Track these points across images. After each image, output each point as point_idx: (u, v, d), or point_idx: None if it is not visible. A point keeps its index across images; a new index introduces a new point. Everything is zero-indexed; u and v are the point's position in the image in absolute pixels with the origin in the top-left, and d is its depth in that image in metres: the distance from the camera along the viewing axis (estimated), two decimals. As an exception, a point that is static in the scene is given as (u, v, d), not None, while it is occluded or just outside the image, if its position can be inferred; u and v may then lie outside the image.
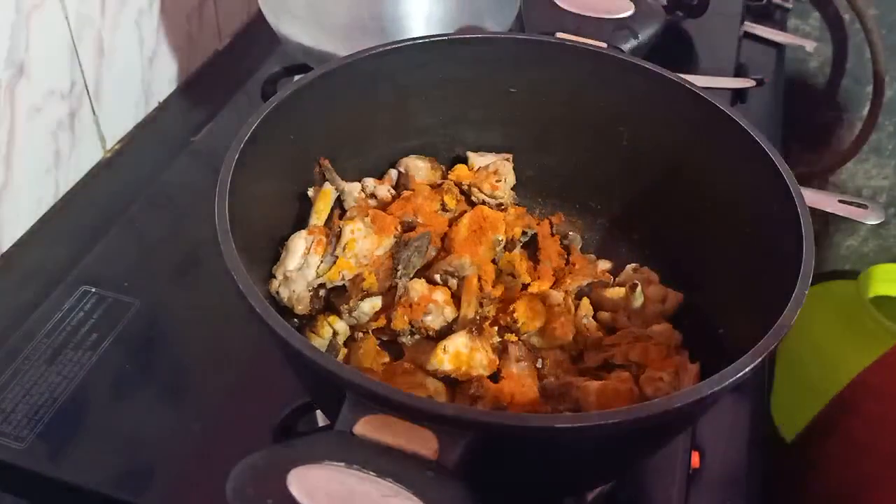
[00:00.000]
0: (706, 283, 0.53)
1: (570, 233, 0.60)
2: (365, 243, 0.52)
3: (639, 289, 0.53)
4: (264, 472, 0.31)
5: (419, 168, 0.60)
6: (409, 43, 0.56)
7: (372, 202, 0.57)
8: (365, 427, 0.33)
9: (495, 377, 0.48)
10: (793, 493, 0.62)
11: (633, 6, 0.67)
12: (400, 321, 0.50)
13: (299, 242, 0.51)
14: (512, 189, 0.61)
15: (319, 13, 0.70)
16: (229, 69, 0.90)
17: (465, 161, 0.61)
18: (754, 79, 0.87)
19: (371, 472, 0.31)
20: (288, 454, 0.32)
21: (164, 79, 0.84)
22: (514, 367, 0.48)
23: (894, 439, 0.58)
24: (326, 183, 0.55)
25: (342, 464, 0.31)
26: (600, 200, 0.61)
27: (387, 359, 0.51)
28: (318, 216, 0.54)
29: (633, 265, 0.57)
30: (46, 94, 0.68)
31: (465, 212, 0.57)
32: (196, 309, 0.62)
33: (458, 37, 0.57)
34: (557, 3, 0.67)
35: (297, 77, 0.71)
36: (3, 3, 0.61)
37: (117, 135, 0.79)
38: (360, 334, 0.52)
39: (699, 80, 0.58)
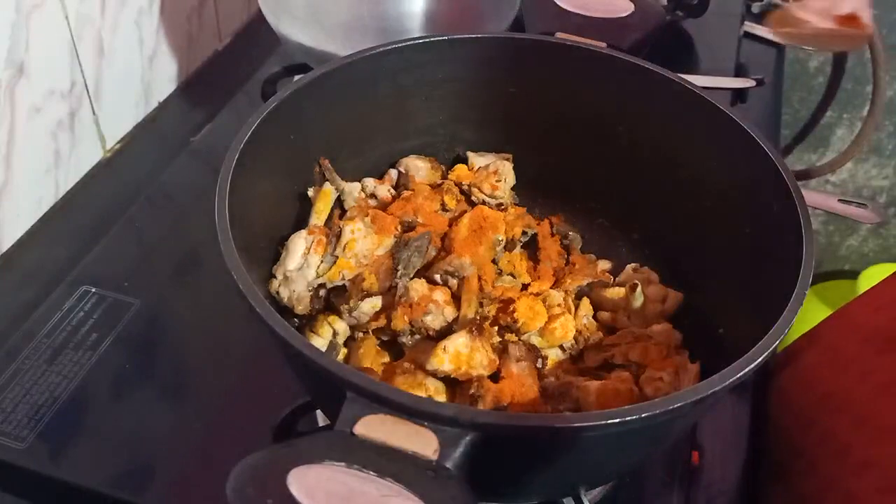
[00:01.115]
0: (706, 282, 0.53)
1: (570, 233, 0.60)
2: (365, 243, 0.52)
3: (639, 289, 0.53)
4: (264, 472, 0.31)
5: (419, 168, 0.60)
6: (409, 43, 0.56)
7: (372, 202, 0.57)
8: (365, 427, 0.33)
9: (495, 377, 0.48)
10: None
11: (632, 6, 0.67)
12: (400, 321, 0.50)
13: (299, 242, 0.51)
14: (512, 189, 0.61)
15: (319, 13, 0.70)
16: (229, 69, 0.90)
17: (465, 161, 0.61)
18: (754, 79, 0.87)
19: (371, 472, 0.31)
20: (288, 454, 0.32)
21: (164, 79, 0.84)
22: (514, 366, 0.48)
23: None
24: (326, 183, 0.55)
25: (342, 464, 0.31)
26: (600, 200, 0.61)
27: (387, 359, 0.51)
28: (318, 216, 0.54)
29: (633, 265, 0.57)
30: (46, 94, 0.68)
31: (465, 212, 0.56)
32: (196, 309, 0.62)
33: (458, 37, 0.57)
34: (557, 2, 0.67)
35: (297, 77, 0.71)
36: (3, 3, 0.61)
37: (117, 135, 0.79)
38: (360, 334, 0.52)
39: (699, 80, 0.57)
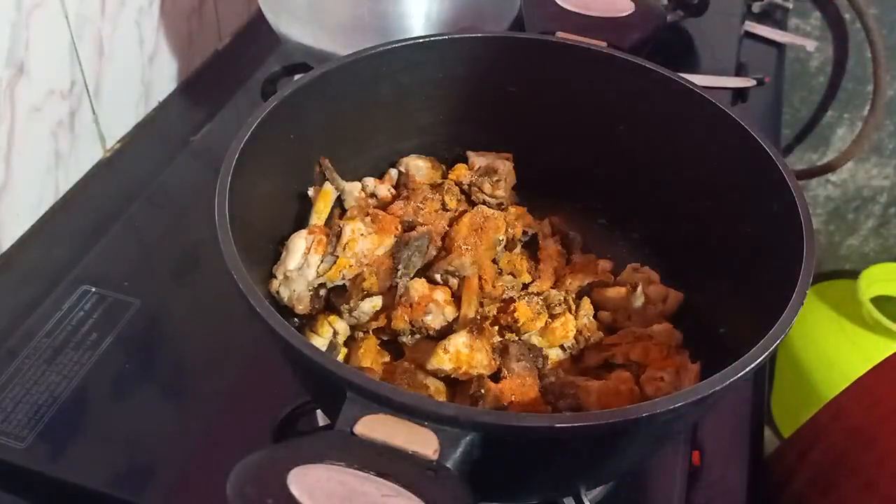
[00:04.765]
0: (706, 282, 0.53)
1: (570, 233, 0.60)
2: (365, 243, 0.52)
3: (639, 288, 0.53)
4: (264, 472, 0.31)
5: (419, 168, 0.60)
6: (409, 43, 0.56)
7: (372, 202, 0.57)
8: (365, 427, 0.33)
9: (496, 377, 0.48)
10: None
11: (633, 5, 0.66)
12: (400, 321, 0.50)
13: (299, 242, 0.51)
14: (512, 189, 0.60)
15: (319, 13, 0.70)
16: (229, 69, 0.90)
17: (465, 161, 0.61)
18: (755, 78, 0.87)
19: (371, 472, 0.31)
20: (288, 454, 0.32)
21: (164, 78, 0.84)
22: (515, 366, 0.48)
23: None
24: (326, 183, 0.55)
25: (342, 464, 0.31)
26: (600, 200, 0.61)
27: (387, 359, 0.51)
28: (319, 216, 0.54)
29: (634, 265, 0.57)
30: (46, 93, 0.68)
31: (465, 212, 0.56)
32: (196, 309, 0.62)
33: (457, 36, 0.57)
34: (558, 2, 0.67)
35: (297, 77, 0.71)
36: (3, 3, 0.61)
37: (117, 134, 0.79)
38: (361, 334, 0.52)
39: (699, 80, 0.57)
